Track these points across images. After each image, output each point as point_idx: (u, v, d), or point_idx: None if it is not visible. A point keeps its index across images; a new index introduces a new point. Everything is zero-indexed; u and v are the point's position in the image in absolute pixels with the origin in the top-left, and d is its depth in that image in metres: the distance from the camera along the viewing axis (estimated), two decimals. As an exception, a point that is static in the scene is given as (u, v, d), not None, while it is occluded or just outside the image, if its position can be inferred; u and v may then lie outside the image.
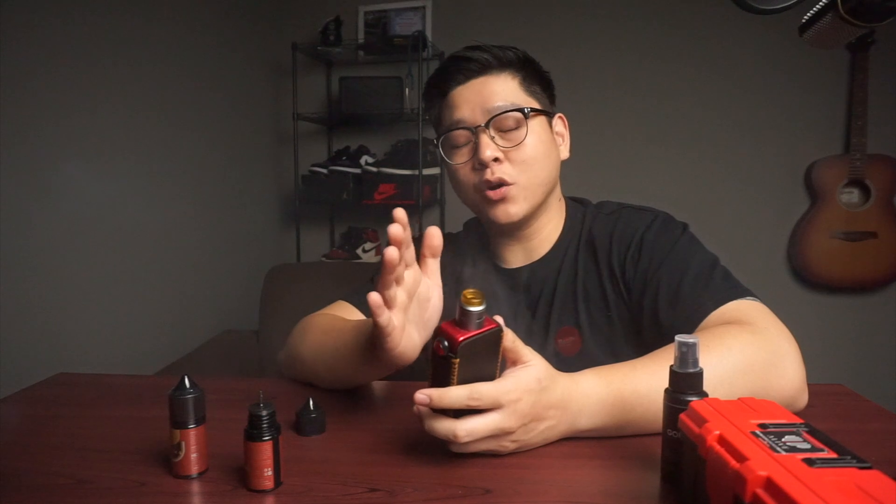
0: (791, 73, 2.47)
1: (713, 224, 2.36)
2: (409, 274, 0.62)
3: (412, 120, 2.57)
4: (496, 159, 0.85)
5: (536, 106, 0.89)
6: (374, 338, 0.62)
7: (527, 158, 0.86)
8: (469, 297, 0.55)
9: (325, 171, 2.62)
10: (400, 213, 0.58)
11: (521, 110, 0.86)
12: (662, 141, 2.61)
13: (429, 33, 2.68)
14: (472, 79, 0.88)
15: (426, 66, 2.58)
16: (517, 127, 0.86)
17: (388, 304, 0.59)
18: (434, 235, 0.63)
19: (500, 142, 0.86)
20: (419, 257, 0.65)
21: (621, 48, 2.60)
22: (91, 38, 1.68)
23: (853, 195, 2.40)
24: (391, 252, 0.56)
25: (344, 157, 2.65)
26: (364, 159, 2.63)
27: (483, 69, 0.88)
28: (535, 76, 0.91)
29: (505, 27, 2.65)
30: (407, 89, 2.55)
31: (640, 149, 2.63)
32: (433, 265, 0.65)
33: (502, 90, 0.87)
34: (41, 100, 1.52)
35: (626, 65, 2.60)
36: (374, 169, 2.60)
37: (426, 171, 2.55)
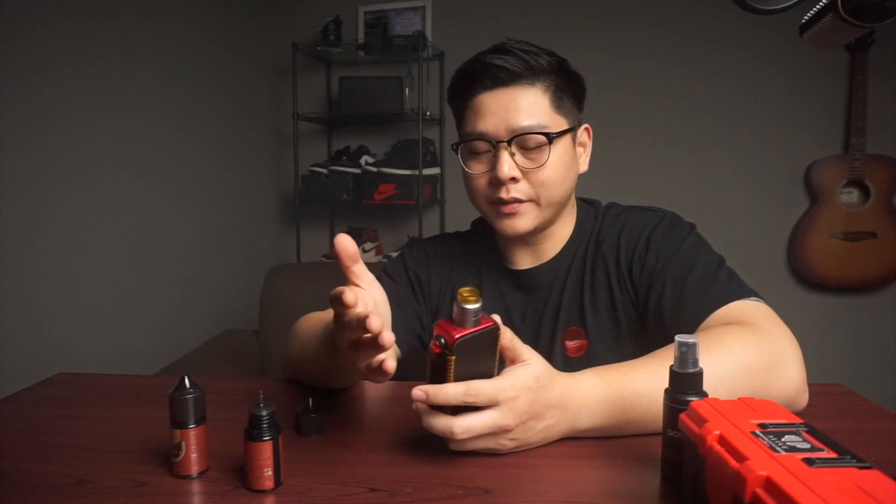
0: (791, 73, 2.47)
1: (713, 224, 2.36)
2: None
3: (412, 120, 2.56)
4: (513, 178, 0.83)
5: (564, 125, 0.86)
6: (363, 376, 0.61)
7: (545, 180, 0.84)
8: (465, 294, 0.55)
9: (325, 171, 2.62)
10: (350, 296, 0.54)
11: (546, 135, 0.82)
12: (662, 141, 2.61)
13: (429, 33, 2.68)
14: (499, 87, 0.83)
15: (426, 66, 2.58)
16: (540, 147, 0.83)
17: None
18: (346, 244, 0.59)
19: (520, 160, 0.83)
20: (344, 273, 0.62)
21: (621, 49, 2.60)
22: (91, 38, 1.68)
23: (853, 195, 2.40)
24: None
25: (344, 157, 2.65)
26: (364, 159, 2.63)
27: (513, 78, 0.83)
28: (567, 86, 0.87)
29: (505, 27, 2.65)
30: (407, 89, 2.54)
31: (640, 149, 2.63)
32: (359, 270, 0.62)
33: (530, 107, 0.82)
34: (41, 99, 1.52)
35: (626, 65, 2.60)
36: (374, 169, 2.60)
37: (426, 171, 2.55)
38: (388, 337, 0.53)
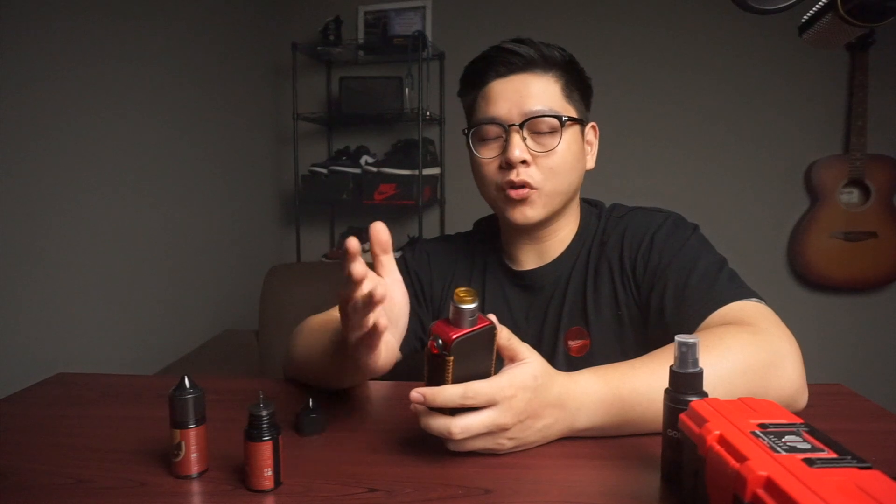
0: (791, 74, 2.47)
1: (713, 224, 2.35)
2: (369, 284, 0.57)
3: (412, 120, 2.56)
4: (524, 161, 0.83)
5: (574, 114, 0.87)
6: (354, 351, 0.61)
7: (554, 166, 0.85)
8: (462, 294, 0.55)
9: (325, 171, 2.62)
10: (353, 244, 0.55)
11: (558, 118, 0.84)
12: (662, 141, 2.61)
13: (429, 33, 2.68)
14: (513, 73, 0.85)
15: (426, 66, 2.58)
16: (551, 133, 0.84)
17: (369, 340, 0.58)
18: (380, 231, 0.60)
19: (531, 144, 0.84)
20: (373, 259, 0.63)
21: (621, 50, 2.60)
22: (91, 38, 1.68)
23: (853, 195, 2.40)
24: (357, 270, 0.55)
25: (344, 157, 2.65)
26: (364, 159, 2.63)
27: (526, 65, 0.85)
28: (576, 81, 0.89)
29: (505, 27, 2.65)
30: (407, 89, 2.54)
31: (640, 149, 2.62)
32: (387, 262, 0.63)
33: (542, 93, 0.84)
34: (41, 99, 1.52)
35: (626, 66, 2.60)
36: (374, 169, 2.60)
37: (426, 171, 2.55)
38: (380, 291, 0.53)
